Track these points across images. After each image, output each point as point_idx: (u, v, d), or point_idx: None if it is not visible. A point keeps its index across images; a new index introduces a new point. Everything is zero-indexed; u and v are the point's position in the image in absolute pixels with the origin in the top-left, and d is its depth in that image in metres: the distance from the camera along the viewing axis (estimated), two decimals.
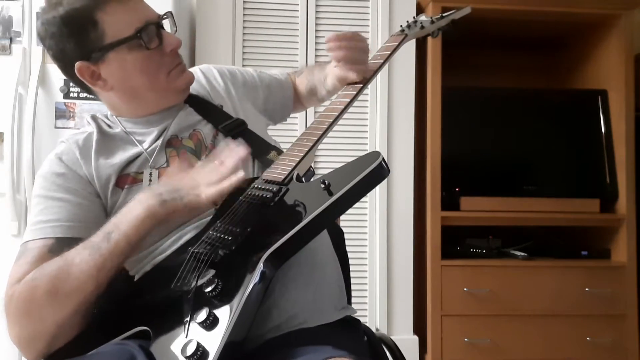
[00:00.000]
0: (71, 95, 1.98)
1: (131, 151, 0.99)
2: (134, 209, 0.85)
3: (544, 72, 2.76)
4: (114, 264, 0.83)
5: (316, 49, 2.24)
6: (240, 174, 0.87)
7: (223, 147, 0.96)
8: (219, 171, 0.88)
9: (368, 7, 2.27)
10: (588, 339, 2.18)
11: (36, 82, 1.91)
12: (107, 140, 1.00)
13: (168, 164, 0.99)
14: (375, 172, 0.77)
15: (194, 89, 1.10)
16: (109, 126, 1.03)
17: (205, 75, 1.15)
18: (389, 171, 0.78)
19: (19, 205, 1.90)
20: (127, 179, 0.97)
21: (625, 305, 2.20)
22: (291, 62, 2.23)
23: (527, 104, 2.40)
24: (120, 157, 0.98)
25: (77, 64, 0.95)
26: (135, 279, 0.92)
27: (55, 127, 1.96)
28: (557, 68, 2.75)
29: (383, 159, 0.77)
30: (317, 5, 2.25)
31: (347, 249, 1.11)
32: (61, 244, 0.88)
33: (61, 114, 1.97)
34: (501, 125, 2.37)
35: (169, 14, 1.03)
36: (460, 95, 2.30)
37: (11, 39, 1.96)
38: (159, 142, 1.00)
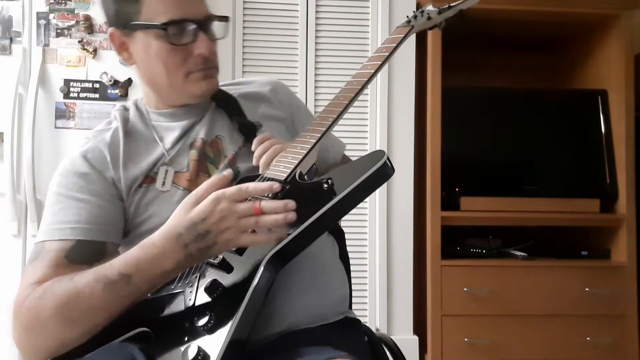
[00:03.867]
0: (71, 95, 1.97)
1: (155, 154, 0.97)
2: (160, 260, 0.77)
3: (544, 72, 2.75)
4: (132, 301, 0.80)
5: (316, 49, 2.23)
6: (282, 240, 0.76)
7: (265, 186, 0.80)
8: (262, 220, 0.75)
9: (368, 7, 2.27)
10: (588, 339, 2.18)
11: (36, 82, 1.90)
12: (132, 143, 0.98)
13: (188, 168, 0.96)
14: (380, 171, 0.75)
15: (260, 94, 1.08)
16: (139, 116, 1.02)
17: (278, 91, 1.11)
18: (394, 170, 0.76)
19: (19, 205, 1.89)
20: (146, 178, 0.95)
21: (625, 305, 2.20)
22: (291, 62, 2.23)
23: (527, 104, 2.40)
24: (147, 161, 0.96)
25: (110, 29, 0.97)
26: None
27: (55, 127, 1.96)
28: (557, 68, 2.74)
29: (388, 157, 0.75)
30: (317, 5, 2.24)
31: (347, 249, 1.10)
32: (79, 247, 0.87)
33: (61, 114, 1.97)
34: (501, 125, 2.37)
35: (224, 19, 0.99)
36: (460, 95, 2.30)
37: (11, 39, 1.96)
38: (181, 143, 0.98)
